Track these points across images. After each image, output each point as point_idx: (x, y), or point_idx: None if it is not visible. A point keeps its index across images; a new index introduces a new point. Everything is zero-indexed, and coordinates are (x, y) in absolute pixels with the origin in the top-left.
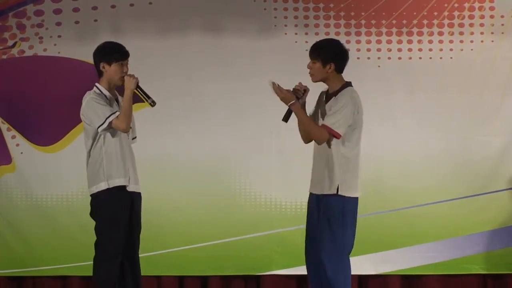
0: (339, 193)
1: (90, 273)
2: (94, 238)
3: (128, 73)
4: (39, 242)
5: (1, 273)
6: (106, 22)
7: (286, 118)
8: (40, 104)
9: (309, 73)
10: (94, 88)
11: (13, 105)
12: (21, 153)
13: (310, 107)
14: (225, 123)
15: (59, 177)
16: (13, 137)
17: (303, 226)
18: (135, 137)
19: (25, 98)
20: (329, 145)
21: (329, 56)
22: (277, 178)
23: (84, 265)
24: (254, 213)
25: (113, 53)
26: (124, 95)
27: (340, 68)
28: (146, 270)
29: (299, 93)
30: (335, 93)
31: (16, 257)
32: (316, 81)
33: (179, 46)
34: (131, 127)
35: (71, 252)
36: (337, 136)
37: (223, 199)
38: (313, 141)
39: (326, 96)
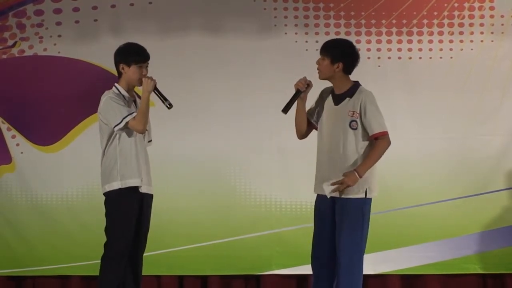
0: (367, 196)
1: (90, 273)
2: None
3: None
4: (39, 242)
5: (1, 273)
6: (106, 22)
7: (286, 110)
8: (40, 104)
9: (317, 69)
10: (113, 88)
11: (13, 105)
12: (21, 153)
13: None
14: (225, 123)
15: (59, 177)
16: (13, 136)
17: (303, 226)
18: (151, 140)
19: (25, 98)
20: (355, 147)
21: (339, 54)
22: (277, 178)
23: (84, 265)
24: (254, 213)
25: (132, 55)
26: (141, 96)
27: (348, 69)
28: (146, 269)
29: (302, 86)
30: (349, 94)
31: (16, 257)
32: (322, 79)
33: (179, 46)
34: (147, 130)
35: (71, 252)
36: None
37: (223, 199)
38: (319, 141)
39: (335, 97)
